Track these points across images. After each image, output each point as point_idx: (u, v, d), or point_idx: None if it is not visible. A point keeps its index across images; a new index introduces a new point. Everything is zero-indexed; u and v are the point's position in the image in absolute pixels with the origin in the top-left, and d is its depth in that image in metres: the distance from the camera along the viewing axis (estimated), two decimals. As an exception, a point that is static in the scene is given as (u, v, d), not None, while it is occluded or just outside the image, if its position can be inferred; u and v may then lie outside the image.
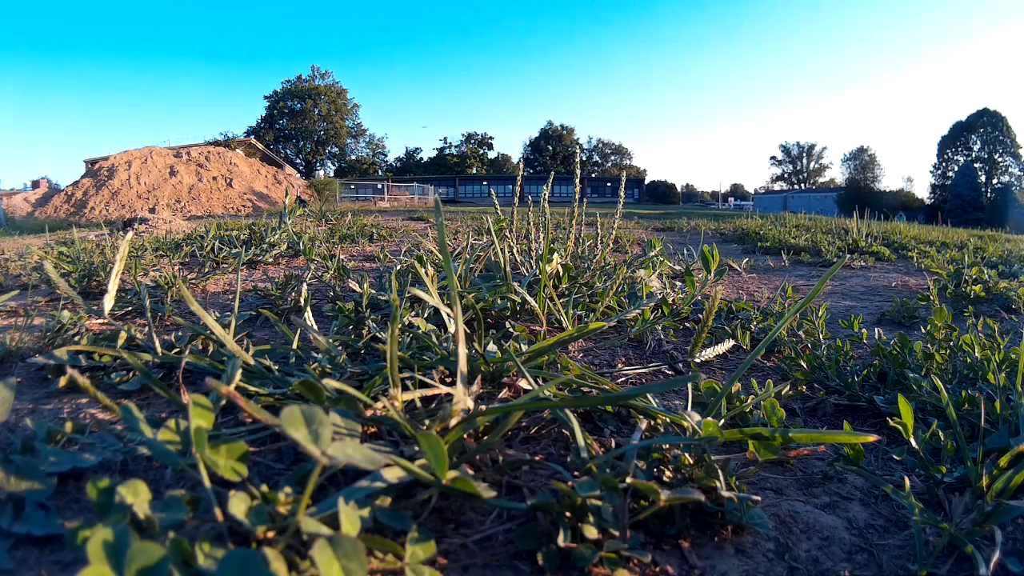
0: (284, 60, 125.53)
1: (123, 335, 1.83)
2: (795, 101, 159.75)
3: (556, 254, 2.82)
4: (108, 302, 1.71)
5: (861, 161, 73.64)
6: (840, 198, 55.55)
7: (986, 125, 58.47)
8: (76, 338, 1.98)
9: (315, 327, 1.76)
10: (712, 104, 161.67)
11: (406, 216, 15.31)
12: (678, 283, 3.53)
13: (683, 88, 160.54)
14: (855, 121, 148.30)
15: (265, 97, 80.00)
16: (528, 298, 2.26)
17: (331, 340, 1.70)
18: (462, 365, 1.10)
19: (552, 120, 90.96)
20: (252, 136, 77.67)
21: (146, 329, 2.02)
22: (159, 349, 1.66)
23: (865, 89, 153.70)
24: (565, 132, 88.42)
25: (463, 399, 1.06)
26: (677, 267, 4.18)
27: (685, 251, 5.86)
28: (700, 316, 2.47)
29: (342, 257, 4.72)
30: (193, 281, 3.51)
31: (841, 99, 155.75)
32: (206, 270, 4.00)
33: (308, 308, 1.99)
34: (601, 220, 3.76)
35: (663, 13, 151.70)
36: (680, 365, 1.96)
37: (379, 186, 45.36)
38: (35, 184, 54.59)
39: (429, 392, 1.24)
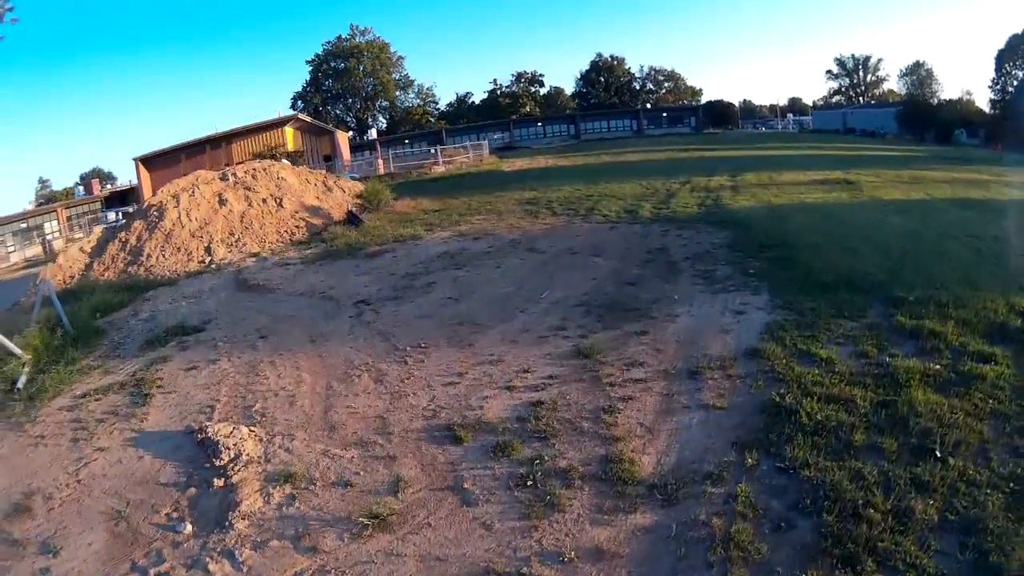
0: (321, 23, 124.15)
1: None
2: (848, 11, 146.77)
3: None
4: None
5: (918, 76, 72.80)
6: (900, 114, 53.38)
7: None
8: None
9: None
10: (765, 15, 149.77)
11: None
12: None
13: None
14: (910, 33, 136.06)
15: (307, 62, 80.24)
16: None
17: None
18: None
19: (601, 52, 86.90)
20: (299, 101, 79.13)
21: None
22: None
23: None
24: (616, 63, 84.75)
25: None
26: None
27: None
28: None
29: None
30: None
31: (894, 10, 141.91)
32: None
33: None
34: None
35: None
36: None
37: (431, 150, 44.77)
38: (86, 183, 57.70)
39: None
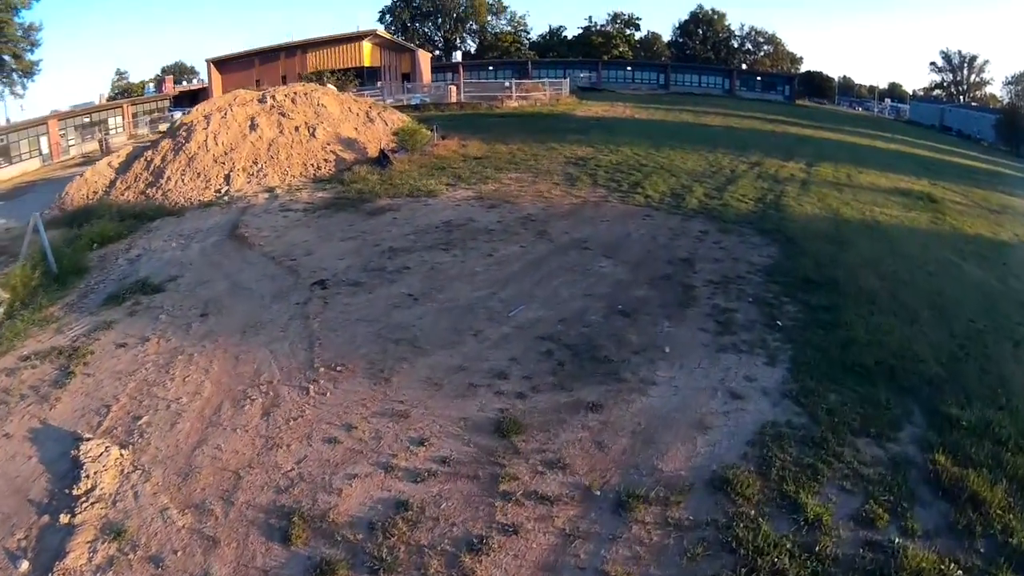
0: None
1: None
2: (962, 5, 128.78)
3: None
4: None
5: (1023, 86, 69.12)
6: (998, 121, 49.13)
7: None
8: None
9: None
10: None
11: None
12: None
13: None
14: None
15: (400, -24, 77.41)
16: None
17: None
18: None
19: (702, 3, 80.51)
20: (387, 15, 77.22)
21: None
22: None
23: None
24: (716, 17, 78.77)
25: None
26: None
27: None
28: None
29: None
30: None
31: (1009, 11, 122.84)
32: None
33: None
34: None
35: None
36: None
37: (506, 84, 42.26)
38: (161, 80, 57.90)
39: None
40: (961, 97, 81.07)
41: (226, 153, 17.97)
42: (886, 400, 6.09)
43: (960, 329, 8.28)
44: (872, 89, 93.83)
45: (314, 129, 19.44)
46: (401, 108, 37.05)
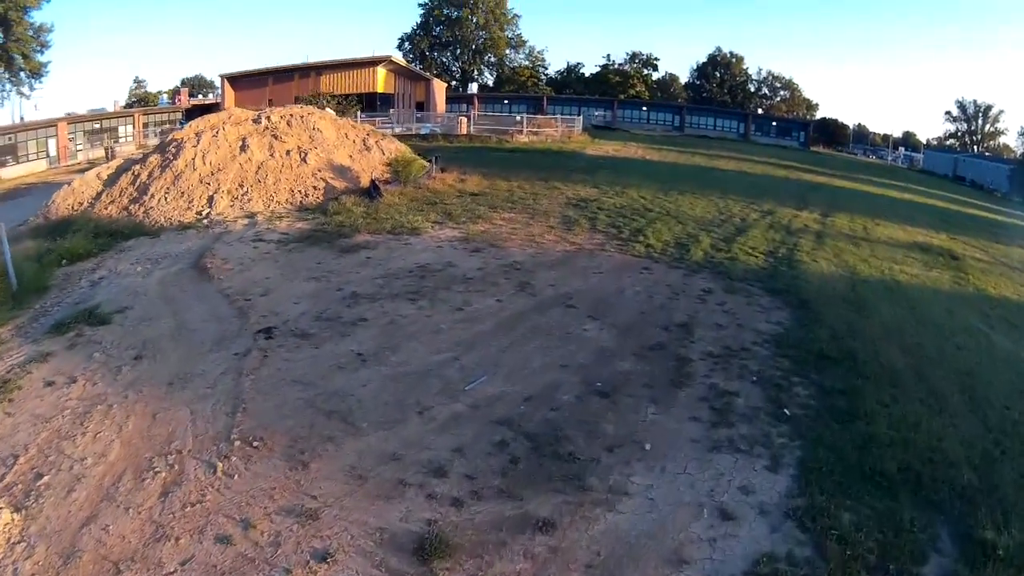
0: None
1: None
2: (982, 52, 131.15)
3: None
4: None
5: None
6: (1013, 171, 48.69)
7: None
8: None
9: None
10: (896, 38, 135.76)
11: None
12: None
13: (867, 16, 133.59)
14: None
15: (420, 4, 78.30)
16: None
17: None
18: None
19: (721, 47, 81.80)
20: (406, 43, 77.75)
21: None
22: None
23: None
24: (734, 60, 79.58)
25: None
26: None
27: None
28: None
29: None
30: None
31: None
32: None
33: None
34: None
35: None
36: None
37: (517, 118, 41.82)
38: (177, 91, 57.91)
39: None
40: (975, 147, 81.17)
41: (213, 173, 17.20)
42: (910, 521, 4.94)
43: (994, 419, 7.12)
44: (886, 137, 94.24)
45: (306, 154, 18.66)
46: (410, 137, 36.63)
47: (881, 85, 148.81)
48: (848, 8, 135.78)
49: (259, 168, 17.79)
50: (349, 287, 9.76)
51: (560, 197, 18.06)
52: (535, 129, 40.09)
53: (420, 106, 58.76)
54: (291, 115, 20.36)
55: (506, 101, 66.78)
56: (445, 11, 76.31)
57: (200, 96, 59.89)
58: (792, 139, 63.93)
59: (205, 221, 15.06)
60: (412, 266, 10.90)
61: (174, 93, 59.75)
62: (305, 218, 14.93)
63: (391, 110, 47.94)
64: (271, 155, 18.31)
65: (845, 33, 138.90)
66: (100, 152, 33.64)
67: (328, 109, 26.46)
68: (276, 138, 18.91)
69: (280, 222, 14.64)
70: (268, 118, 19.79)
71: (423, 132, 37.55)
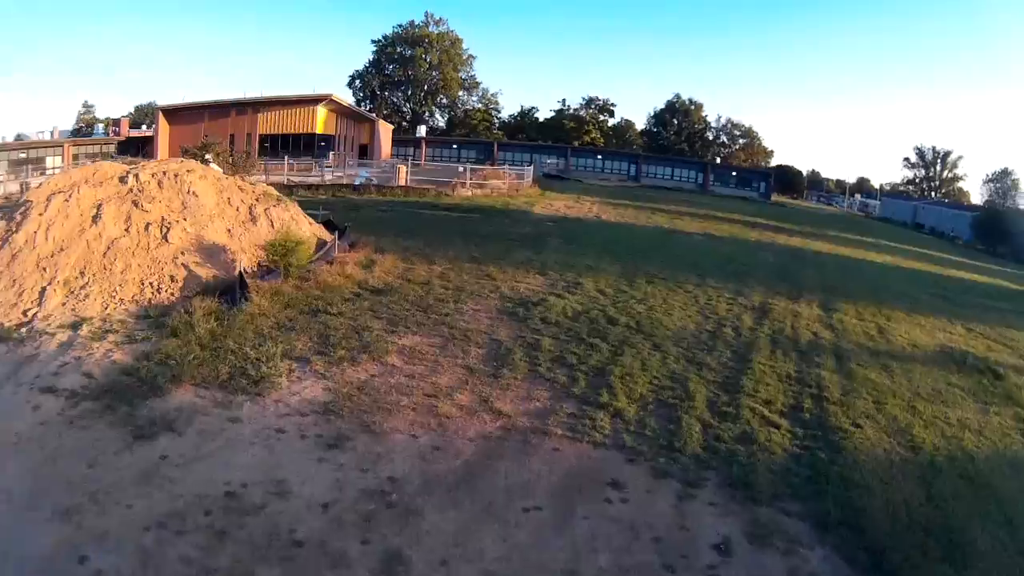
0: (397, 4, 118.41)
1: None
2: (935, 94, 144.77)
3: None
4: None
5: (1003, 185, 69.67)
6: (977, 220, 48.46)
7: None
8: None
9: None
10: (847, 81, 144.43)
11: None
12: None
13: (817, 60, 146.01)
14: (995, 130, 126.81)
15: (373, 41, 75.75)
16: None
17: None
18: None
19: (680, 93, 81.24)
20: (357, 80, 73.96)
21: None
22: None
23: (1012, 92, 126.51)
24: (693, 107, 78.86)
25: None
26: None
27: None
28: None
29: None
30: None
31: (985, 100, 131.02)
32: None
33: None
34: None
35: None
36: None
37: (460, 168, 37.86)
38: (116, 124, 52.00)
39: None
40: (933, 193, 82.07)
41: (53, 255, 12.41)
42: None
43: None
44: (840, 183, 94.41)
45: (168, 230, 13.80)
46: (340, 187, 31.95)
47: (833, 129, 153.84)
48: (798, 52, 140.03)
49: (109, 248, 12.88)
50: (98, 553, 4.98)
51: (493, 297, 13.63)
52: (480, 181, 36.06)
53: (364, 149, 54.54)
54: (164, 173, 15.45)
55: (455, 146, 63.11)
56: (399, 49, 73.45)
57: (144, 127, 54.57)
58: (752, 190, 62.09)
59: (24, 330, 10.33)
60: (219, 491, 6.11)
61: (113, 123, 54.34)
62: (136, 336, 10.05)
63: (331, 153, 43.52)
64: (127, 230, 13.41)
65: (796, 76, 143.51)
66: (16, 187, 28.02)
67: (213, 165, 21.55)
68: (137, 206, 13.97)
69: (104, 341, 9.77)
70: (137, 176, 14.89)
71: (356, 182, 32.99)
